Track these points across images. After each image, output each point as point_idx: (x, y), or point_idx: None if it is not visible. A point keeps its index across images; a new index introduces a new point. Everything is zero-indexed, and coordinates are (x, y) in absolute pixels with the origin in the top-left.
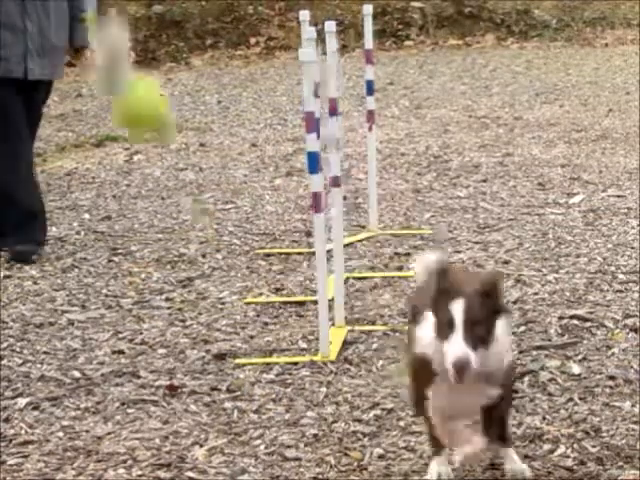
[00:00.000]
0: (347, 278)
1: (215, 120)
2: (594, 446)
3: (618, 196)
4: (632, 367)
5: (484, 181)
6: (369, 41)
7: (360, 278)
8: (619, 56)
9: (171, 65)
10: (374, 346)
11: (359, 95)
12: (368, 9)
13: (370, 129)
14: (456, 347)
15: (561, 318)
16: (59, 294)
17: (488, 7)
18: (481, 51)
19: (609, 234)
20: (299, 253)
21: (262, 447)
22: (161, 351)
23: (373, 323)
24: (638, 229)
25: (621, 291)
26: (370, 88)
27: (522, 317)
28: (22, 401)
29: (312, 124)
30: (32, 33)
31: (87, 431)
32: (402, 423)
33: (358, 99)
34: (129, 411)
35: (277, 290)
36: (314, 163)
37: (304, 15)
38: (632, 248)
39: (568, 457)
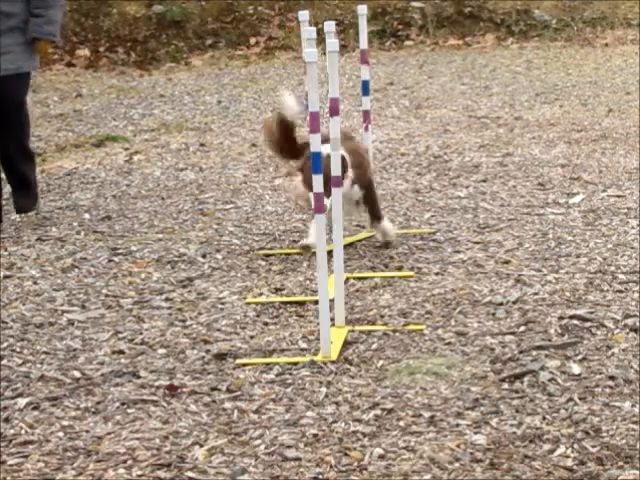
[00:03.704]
0: (347, 278)
1: (215, 120)
2: (594, 446)
3: (618, 196)
4: (632, 367)
5: (484, 181)
6: (364, 41)
7: (360, 278)
8: (619, 56)
9: (171, 65)
10: (374, 346)
11: (359, 95)
12: (363, 9)
13: (366, 129)
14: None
15: (561, 318)
16: (59, 294)
17: (488, 7)
18: (481, 51)
19: (609, 234)
20: (299, 253)
21: (262, 447)
22: (161, 351)
23: (373, 323)
24: (638, 229)
25: (621, 291)
26: (366, 88)
27: (522, 317)
28: (22, 401)
29: (316, 124)
30: None
31: (87, 431)
32: (402, 423)
33: (358, 99)
34: (129, 411)
35: (277, 290)
36: (318, 163)
37: (303, 15)
38: (632, 248)
39: (568, 457)
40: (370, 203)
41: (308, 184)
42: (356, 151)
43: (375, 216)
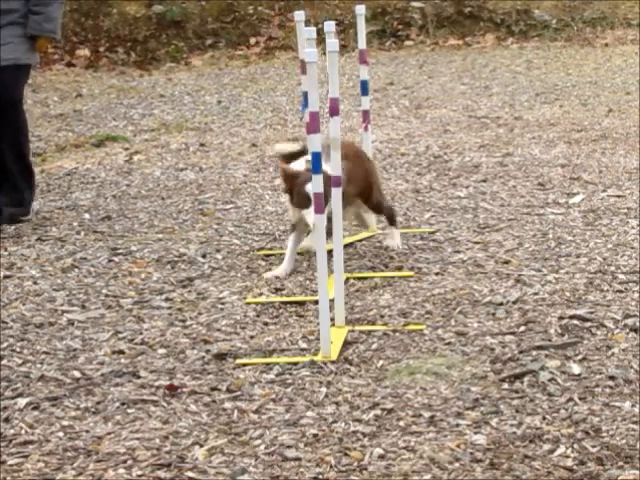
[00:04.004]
0: (347, 278)
1: (215, 120)
2: (594, 446)
3: (618, 196)
4: (632, 367)
5: (484, 181)
6: (363, 41)
7: (360, 278)
8: (619, 56)
9: (171, 65)
10: (374, 346)
11: (359, 95)
12: (361, 9)
13: (365, 129)
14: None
15: (561, 318)
16: (59, 294)
17: (488, 7)
18: (481, 51)
19: (609, 234)
20: (299, 253)
21: (262, 447)
22: (161, 351)
23: (373, 323)
24: (638, 229)
25: (621, 291)
26: (365, 88)
27: (522, 317)
28: (22, 401)
29: (316, 124)
30: None
31: (87, 431)
32: (402, 423)
33: (358, 99)
34: (129, 411)
35: (277, 290)
36: (318, 163)
37: (299, 15)
38: (632, 248)
39: (568, 457)
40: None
41: (297, 204)
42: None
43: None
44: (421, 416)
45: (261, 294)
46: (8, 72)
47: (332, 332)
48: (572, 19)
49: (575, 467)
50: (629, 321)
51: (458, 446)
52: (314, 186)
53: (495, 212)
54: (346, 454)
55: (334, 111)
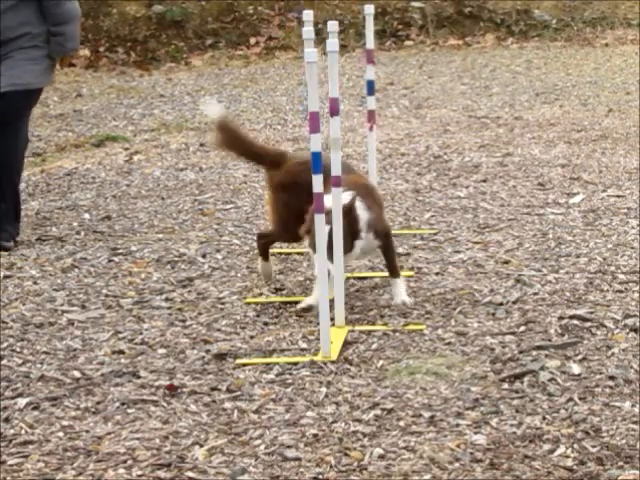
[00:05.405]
0: (347, 278)
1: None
2: (594, 446)
3: (618, 196)
4: (632, 367)
5: (484, 181)
6: (370, 41)
7: (360, 278)
8: (619, 56)
9: (171, 65)
10: (374, 346)
11: (359, 95)
12: (370, 9)
13: (371, 129)
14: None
15: (561, 318)
16: (59, 294)
17: (488, 7)
18: (481, 51)
19: (609, 234)
20: (299, 253)
21: (262, 447)
22: (161, 351)
23: (373, 323)
24: (638, 229)
25: (621, 291)
26: (371, 88)
27: (522, 317)
28: (22, 401)
29: (316, 124)
30: None
31: (87, 431)
32: (402, 423)
33: (358, 99)
34: (129, 411)
35: (277, 290)
36: (318, 163)
37: (308, 15)
38: (632, 248)
39: (568, 457)
40: (387, 255)
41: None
42: (368, 194)
43: (391, 270)
44: (421, 416)
45: (261, 294)
46: (15, 97)
47: (332, 332)
48: (572, 19)
49: (575, 467)
50: (629, 321)
51: (458, 446)
52: (314, 186)
53: (495, 212)
54: (346, 454)
55: (334, 111)
